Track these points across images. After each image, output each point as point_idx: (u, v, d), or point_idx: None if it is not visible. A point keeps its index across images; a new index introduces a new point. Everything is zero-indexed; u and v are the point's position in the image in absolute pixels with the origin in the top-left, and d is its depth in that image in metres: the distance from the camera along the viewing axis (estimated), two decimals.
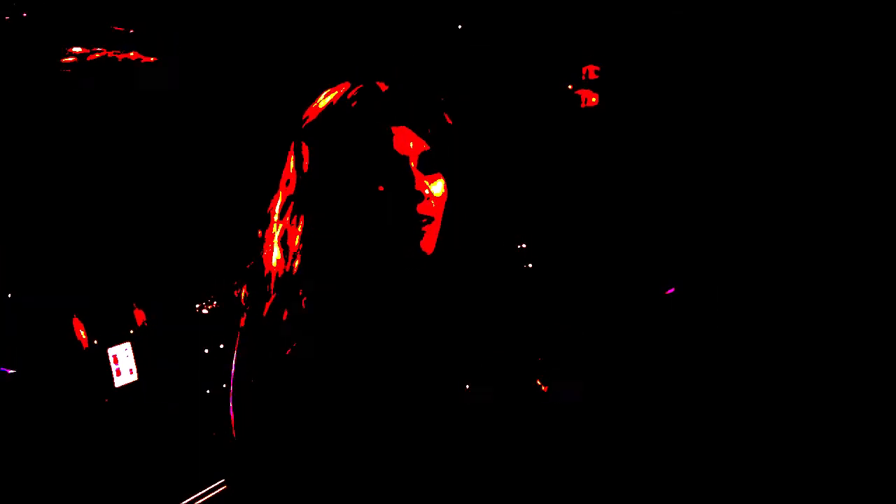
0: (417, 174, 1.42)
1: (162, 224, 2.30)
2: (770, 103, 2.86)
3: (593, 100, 2.99)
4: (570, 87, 2.87)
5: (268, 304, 1.56)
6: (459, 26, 2.47)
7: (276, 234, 1.50)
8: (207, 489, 2.15)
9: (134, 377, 2.16)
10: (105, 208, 2.24)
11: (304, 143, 1.47)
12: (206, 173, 2.29)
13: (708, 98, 2.93)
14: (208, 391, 2.21)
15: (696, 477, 2.42)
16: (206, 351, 2.22)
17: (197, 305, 2.25)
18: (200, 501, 2.11)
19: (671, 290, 2.87)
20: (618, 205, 2.99)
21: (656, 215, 2.99)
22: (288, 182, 1.49)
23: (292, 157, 1.48)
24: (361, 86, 1.48)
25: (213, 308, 2.25)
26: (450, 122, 1.48)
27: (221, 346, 2.20)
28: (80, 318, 2.13)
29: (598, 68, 2.90)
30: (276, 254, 1.51)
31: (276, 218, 1.50)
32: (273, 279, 1.54)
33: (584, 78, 2.91)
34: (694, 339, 2.76)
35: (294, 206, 1.49)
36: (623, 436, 2.39)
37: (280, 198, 1.50)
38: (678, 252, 2.95)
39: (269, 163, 1.57)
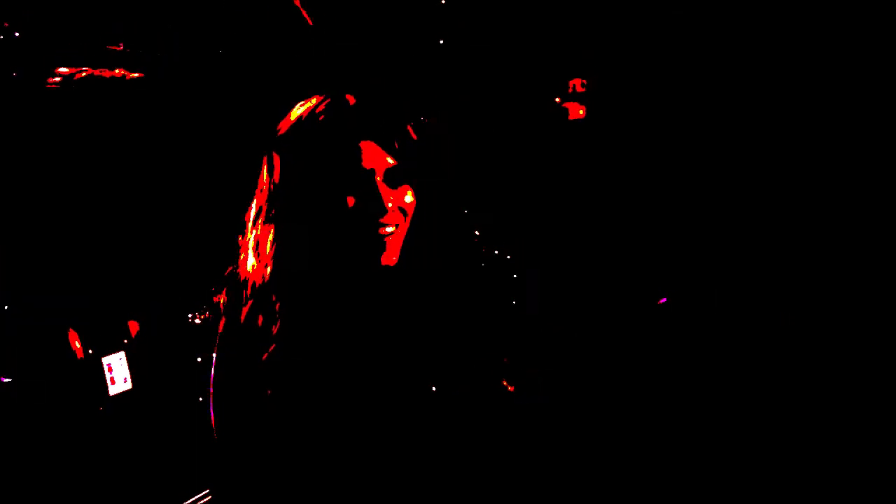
0: (383, 187, 1.48)
1: (154, 238, 2.36)
2: (754, 111, 2.87)
3: (580, 112, 3.03)
4: (557, 99, 2.91)
5: (245, 310, 1.61)
6: (441, 41, 2.53)
7: (251, 241, 1.56)
8: (200, 495, 2.19)
9: (128, 385, 2.21)
10: (99, 224, 2.31)
11: (275, 154, 1.53)
12: (193, 187, 2.36)
13: (693, 108, 2.94)
14: (201, 399, 2.26)
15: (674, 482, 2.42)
16: (199, 360, 2.27)
17: (189, 316, 2.31)
18: None
19: (663, 300, 2.87)
20: (599, 212, 3.01)
21: (640, 223, 3.01)
22: (262, 190, 1.55)
23: (265, 167, 1.54)
24: (330, 100, 1.53)
25: (204, 318, 2.30)
26: (415, 136, 1.53)
27: (214, 354, 2.25)
28: (75, 330, 2.19)
29: (584, 81, 2.95)
30: (251, 260, 1.57)
31: (250, 225, 1.55)
32: (249, 285, 1.59)
33: (570, 91, 2.95)
34: (684, 350, 2.75)
35: (265, 215, 1.54)
36: (593, 437, 2.40)
37: (254, 206, 1.55)
38: (669, 261, 2.95)
39: (249, 172, 1.62)
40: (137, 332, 2.26)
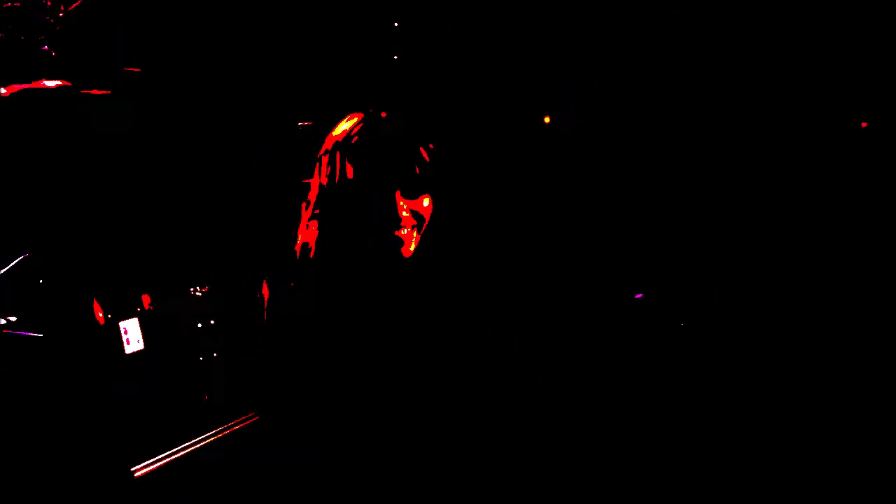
0: (399, 197, 2.04)
1: (165, 230, 2.86)
2: (724, 117, 3.11)
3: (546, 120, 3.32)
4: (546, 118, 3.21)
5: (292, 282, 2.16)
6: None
7: (305, 226, 2.11)
8: (219, 428, 2.66)
9: (141, 346, 2.68)
10: (119, 217, 2.79)
11: (324, 159, 2.10)
12: (198, 190, 2.89)
13: (667, 110, 3.16)
14: (201, 358, 2.75)
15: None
16: (200, 325, 2.77)
17: (191, 290, 2.80)
18: (207, 441, 2.65)
19: (639, 296, 3.07)
20: (585, 214, 3.17)
21: (623, 224, 3.16)
22: (315, 186, 2.11)
23: (317, 170, 2.11)
24: (362, 115, 2.11)
25: (205, 292, 2.80)
26: (427, 158, 2.12)
27: (212, 321, 2.77)
28: (97, 300, 2.64)
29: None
30: (301, 240, 2.12)
31: (304, 212, 2.11)
32: (299, 257, 2.14)
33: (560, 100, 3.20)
34: (662, 344, 2.95)
35: (315, 206, 2.09)
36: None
37: (309, 197, 2.11)
38: (646, 259, 3.12)
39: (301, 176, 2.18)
40: (149, 303, 2.72)
